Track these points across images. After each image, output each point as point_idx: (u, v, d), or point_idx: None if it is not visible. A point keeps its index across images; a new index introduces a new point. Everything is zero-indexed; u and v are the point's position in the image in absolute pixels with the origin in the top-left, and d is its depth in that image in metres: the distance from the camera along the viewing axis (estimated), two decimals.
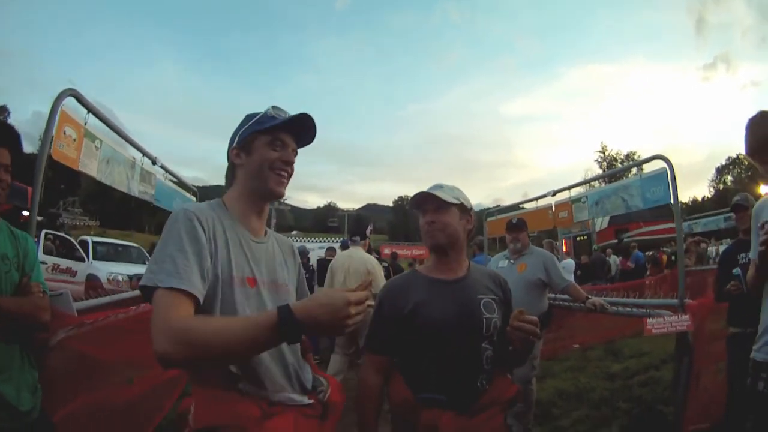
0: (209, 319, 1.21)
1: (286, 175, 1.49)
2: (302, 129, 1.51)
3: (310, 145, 1.58)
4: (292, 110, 1.49)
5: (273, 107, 1.49)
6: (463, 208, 1.88)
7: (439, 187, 1.87)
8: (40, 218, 2.56)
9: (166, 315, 1.13)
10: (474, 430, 1.66)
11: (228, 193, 1.51)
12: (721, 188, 68.64)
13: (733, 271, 3.04)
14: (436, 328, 1.74)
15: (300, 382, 1.44)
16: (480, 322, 1.75)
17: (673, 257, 11.85)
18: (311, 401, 1.43)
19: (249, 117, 1.50)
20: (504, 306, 1.89)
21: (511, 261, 4.25)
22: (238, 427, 1.22)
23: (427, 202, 1.86)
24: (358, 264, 5.33)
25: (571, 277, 4.31)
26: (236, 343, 1.12)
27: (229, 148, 1.50)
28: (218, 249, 1.32)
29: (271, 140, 1.45)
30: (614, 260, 15.10)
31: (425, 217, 1.86)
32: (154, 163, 4.16)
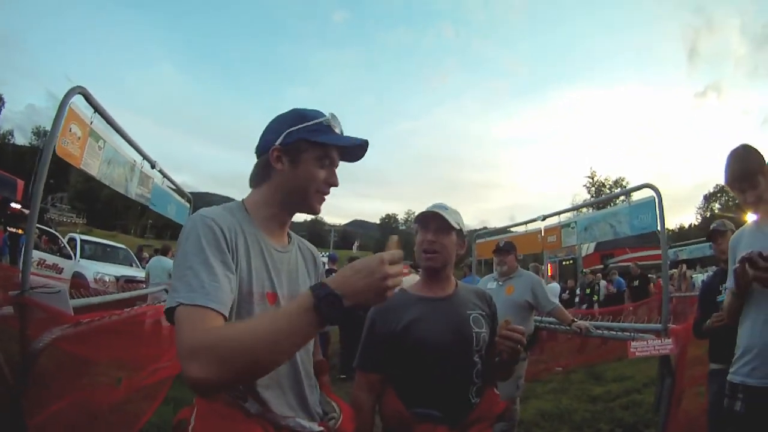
0: (236, 324, 1.09)
1: (327, 195, 1.36)
2: (353, 149, 1.37)
3: None
4: None
5: (332, 116, 1.32)
6: (460, 233, 1.92)
7: (444, 207, 1.89)
8: (26, 211, 2.55)
9: (191, 332, 0.99)
10: None
11: (253, 195, 1.36)
12: (708, 216, 69.28)
13: (718, 298, 2.97)
14: (429, 344, 1.77)
15: (311, 407, 1.32)
16: (470, 336, 1.80)
17: (653, 280, 12.00)
18: (321, 429, 1.29)
19: (300, 115, 1.31)
20: (491, 320, 1.94)
21: (500, 283, 4.30)
22: None
23: (433, 220, 1.87)
24: None
25: (556, 300, 4.38)
26: (273, 341, 0.97)
27: (268, 142, 1.30)
28: (238, 260, 1.19)
29: (322, 156, 1.30)
30: (603, 285, 15.22)
31: (426, 234, 1.87)
32: (153, 166, 4.19)
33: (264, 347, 0.97)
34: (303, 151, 1.28)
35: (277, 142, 1.27)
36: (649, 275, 18.71)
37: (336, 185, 1.35)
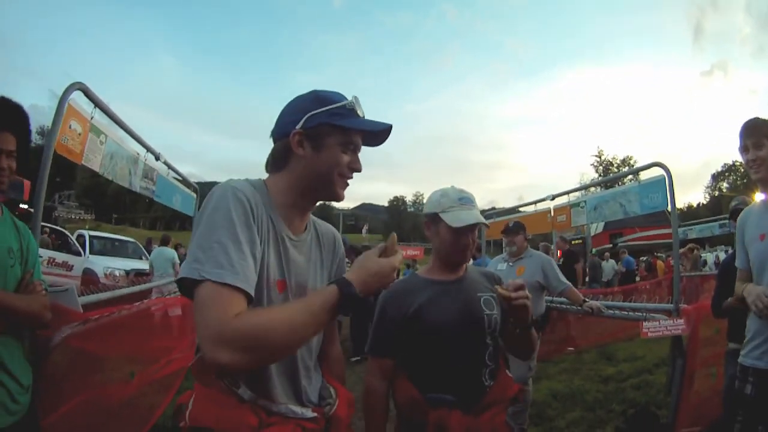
0: (268, 314, 1.07)
1: (351, 179, 1.32)
2: (375, 133, 1.33)
3: None
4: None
5: (355, 98, 1.28)
6: None
7: (470, 200, 1.86)
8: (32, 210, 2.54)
9: (220, 316, 0.98)
10: (481, 429, 1.68)
11: (273, 179, 1.30)
12: (716, 195, 69.00)
13: None
14: (440, 327, 1.76)
15: (305, 394, 1.32)
16: (481, 319, 1.79)
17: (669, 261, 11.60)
18: (314, 415, 1.30)
19: (321, 98, 1.26)
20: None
21: (510, 263, 4.29)
22: None
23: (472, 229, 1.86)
24: None
25: (565, 280, 4.36)
26: (301, 333, 1.08)
27: (287, 125, 1.25)
28: (262, 240, 1.17)
29: (346, 141, 1.25)
30: (611, 264, 15.21)
31: (462, 237, 1.84)
32: (157, 159, 4.18)
33: (291, 338, 1.07)
34: (326, 135, 1.23)
35: (298, 126, 1.22)
36: (657, 254, 18.75)
37: (359, 171, 1.30)
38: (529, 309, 1.66)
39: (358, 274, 1.15)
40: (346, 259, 1.54)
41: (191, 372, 1.23)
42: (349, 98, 1.28)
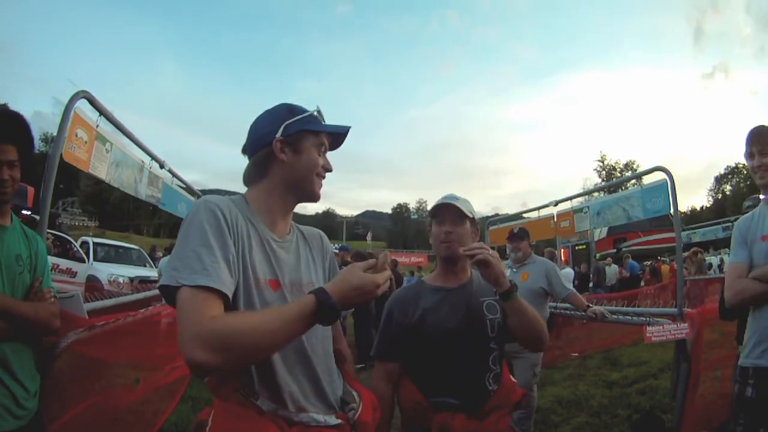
0: (243, 317, 1.14)
1: (324, 179, 1.45)
2: (337, 136, 1.49)
3: None
4: None
5: (318, 109, 1.43)
6: (473, 222, 1.94)
7: (455, 198, 1.92)
8: (37, 217, 2.56)
9: (197, 318, 1.04)
10: None
11: (253, 189, 1.41)
12: (719, 198, 68.88)
13: None
14: (443, 333, 1.80)
15: (327, 399, 1.33)
16: (484, 323, 1.82)
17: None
18: (338, 421, 1.30)
19: (292, 109, 1.41)
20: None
21: (514, 270, 4.30)
22: None
23: (447, 212, 1.90)
24: None
25: (570, 286, 4.35)
26: (275, 338, 1.09)
27: (266, 137, 1.36)
28: (242, 247, 1.23)
29: (319, 144, 1.40)
30: (613, 269, 15.19)
31: (443, 226, 1.90)
32: (161, 167, 4.19)
33: (264, 342, 1.09)
34: (302, 139, 1.37)
35: (278, 135, 1.34)
36: (661, 258, 18.74)
37: (331, 170, 1.45)
38: (491, 264, 1.67)
39: (339, 286, 1.18)
40: None
41: (208, 387, 1.27)
42: (315, 108, 1.43)
